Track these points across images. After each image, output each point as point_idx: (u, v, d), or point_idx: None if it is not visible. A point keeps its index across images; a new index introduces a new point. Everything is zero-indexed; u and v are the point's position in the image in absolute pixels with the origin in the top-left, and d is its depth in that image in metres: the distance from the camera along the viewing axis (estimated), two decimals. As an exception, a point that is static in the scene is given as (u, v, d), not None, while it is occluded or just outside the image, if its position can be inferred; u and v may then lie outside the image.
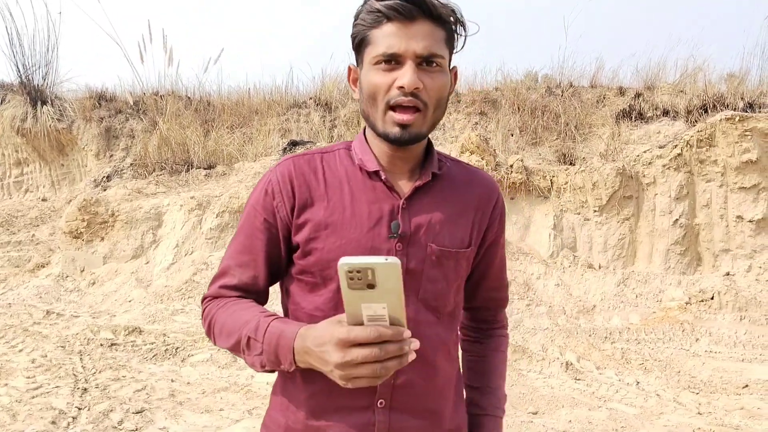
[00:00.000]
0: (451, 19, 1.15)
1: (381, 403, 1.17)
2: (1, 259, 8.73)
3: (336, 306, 1.15)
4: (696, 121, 8.00)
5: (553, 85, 10.35)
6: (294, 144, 9.73)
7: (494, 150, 8.11)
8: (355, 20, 1.16)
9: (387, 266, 0.87)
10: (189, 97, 11.64)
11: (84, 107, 11.19)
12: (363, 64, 1.16)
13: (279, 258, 1.24)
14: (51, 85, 11.31)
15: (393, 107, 1.12)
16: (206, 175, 9.57)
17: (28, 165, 11.48)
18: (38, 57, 11.05)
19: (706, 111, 8.20)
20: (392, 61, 1.11)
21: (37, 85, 11.13)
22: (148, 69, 14.52)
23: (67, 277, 7.81)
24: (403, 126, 1.12)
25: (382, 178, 1.20)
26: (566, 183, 7.69)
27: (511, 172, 7.71)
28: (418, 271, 1.19)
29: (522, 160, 7.88)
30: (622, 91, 9.86)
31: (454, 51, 1.20)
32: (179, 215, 8.08)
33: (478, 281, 1.37)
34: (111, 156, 10.86)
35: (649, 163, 7.55)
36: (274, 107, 11.33)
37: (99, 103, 11.44)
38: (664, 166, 7.45)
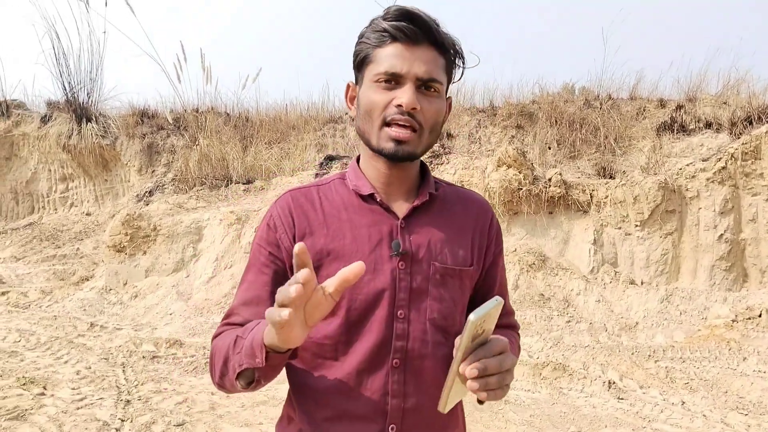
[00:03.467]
0: (452, 50, 1.19)
1: (392, 428, 1.17)
2: (47, 272, 8.97)
3: (345, 332, 1.18)
4: (740, 134, 7.80)
5: (591, 98, 10.22)
6: (330, 158, 9.80)
7: (532, 164, 8.04)
8: (360, 39, 1.19)
9: (497, 307, 0.97)
10: (228, 114, 11.86)
11: (127, 124, 11.49)
12: (363, 82, 1.19)
13: None
14: (96, 103, 11.67)
15: (389, 123, 1.14)
16: (245, 189, 9.71)
17: (73, 180, 11.81)
18: (83, 75, 11.43)
19: (750, 123, 7.99)
20: (393, 80, 1.14)
21: (83, 102, 11.48)
22: (188, 86, 14.83)
23: (110, 290, 7.98)
24: (398, 141, 1.14)
25: (378, 200, 1.22)
26: (606, 197, 7.57)
27: (549, 185, 7.62)
28: (423, 290, 1.20)
29: (560, 174, 7.78)
30: (662, 103, 9.68)
31: (452, 81, 1.25)
32: (219, 229, 8.20)
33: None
34: (153, 171, 11.11)
35: (693, 177, 7.37)
36: (310, 123, 11.45)
37: (141, 120, 11.74)
38: (707, 179, 7.27)
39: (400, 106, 1.12)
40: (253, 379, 1.08)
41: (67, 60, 11.29)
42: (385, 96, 1.14)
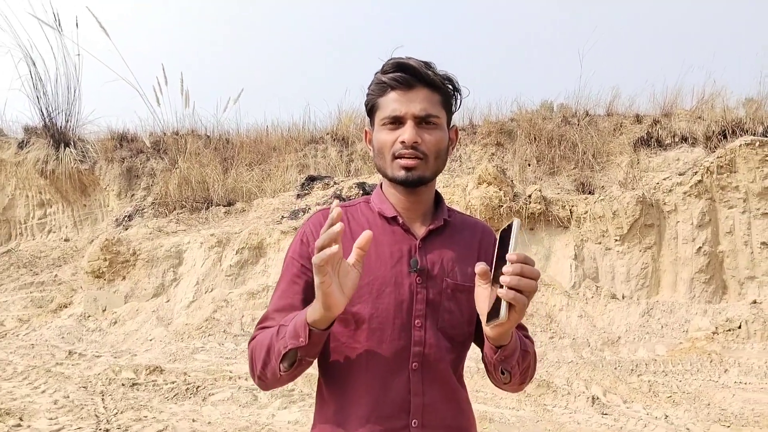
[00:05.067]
0: (449, 86, 1.39)
1: (415, 423, 1.32)
2: (24, 299, 8.82)
3: (369, 337, 1.33)
4: (715, 147, 7.93)
5: (569, 115, 10.35)
6: (312, 179, 9.80)
7: (512, 181, 8.10)
8: (368, 91, 1.41)
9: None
10: (208, 136, 11.83)
11: (106, 148, 11.41)
12: (374, 126, 1.40)
13: None
14: (74, 128, 11.57)
15: (398, 157, 1.34)
16: (226, 212, 9.66)
17: (51, 206, 11.67)
18: (61, 100, 11.34)
19: (725, 137, 8.14)
20: (396, 122, 1.34)
21: (60, 127, 11.38)
22: (168, 109, 14.78)
23: (89, 316, 7.86)
24: (407, 169, 1.33)
25: (400, 222, 1.40)
26: (586, 212, 7.63)
27: (530, 202, 7.67)
28: (436, 302, 1.36)
29: (540, 190, 7.84)
30: (639, 119, 9.83)
31: (453, 111, 1.44)
32: (199, 252, 8.13)
33: None
34: (132, 195, 11.02)
35: (670, 191, 7.47)
36: (291, 143, 11.46)
37: (120, 144, 11.66)
38: (684, 193, 7.37)
39: (403, 142, 1.32)
40: (295, 360, 1.23)
41: (44, 85, 11.22)
42: (392, 135, 1.34)
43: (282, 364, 1.24)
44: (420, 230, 1.42)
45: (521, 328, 1.50)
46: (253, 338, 1.38)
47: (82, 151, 11.25)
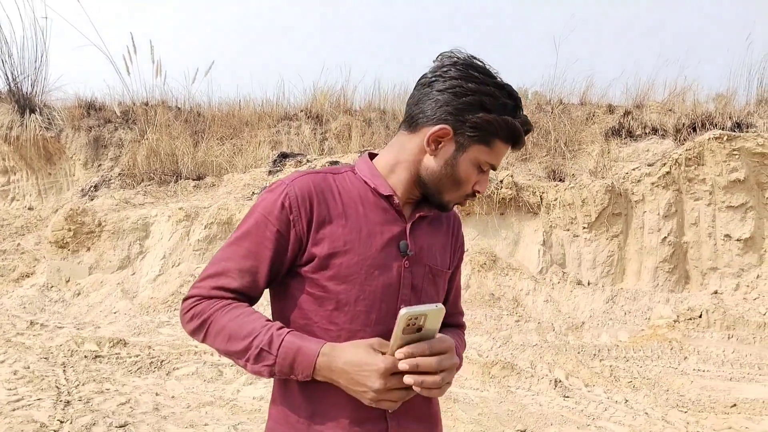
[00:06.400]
0: None
1: (390, 409, 1.28)
2: (-16, 268, 8.61)
3: (351, 321, 1.27)
4: (684, 140, 8.05)
5: (543, 102, 10.40)
6: (284, 156, 9.70)
7: (484, 165, 8.12)
8: (489, 112, 1.25)
9: (437, 312, 1.08)
10: (179, 108, 11.61)
11: (73, 116, 11.12)
12: (466, 149, 1.28)
13: (280, 270, 1.28)
14: (40, 94, 11.25)
15: (466, 196, 1.35)
16: (195, 186, 9.52)
17: (15, 173, 11.38)
18: (27, 64, 11.00)
19: (694, 130, 8.26)
20: (485, 167, 1.32)
21: (26, 92, 11.05)
22: (138, 79, 14.42)
23: (52, 287, 7.71)
24: (459, 205, 1.39)
25: (394, 203, 1.33)
26: (556, 199, 7.71)
27: (501, 187, 7.72)
28: (419, 288, 1.35)
29: (512, 176, 7.90)
30: (611, 109, 9.93)
31: None
32: (167, 226, 8.01)
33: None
34: (99, 165, 10.78)
35: (638, 181, 7.58)
36: (264, 119, 11.31)
37: (88, 113, 11.37)
38: (652, 183, 7.48)
39: (479, 191, 1.34)
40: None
41: (9, 48, 10.87)
42: (475, 176, 1.31)
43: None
44: (408, 213, 1.38)
45: (458, 325, 1.55)
46: (199, 297, 1.26)
47: (48, 118, 10.96)
